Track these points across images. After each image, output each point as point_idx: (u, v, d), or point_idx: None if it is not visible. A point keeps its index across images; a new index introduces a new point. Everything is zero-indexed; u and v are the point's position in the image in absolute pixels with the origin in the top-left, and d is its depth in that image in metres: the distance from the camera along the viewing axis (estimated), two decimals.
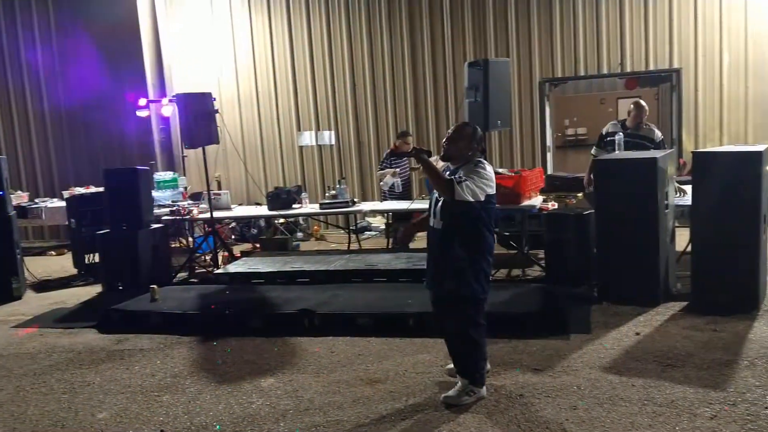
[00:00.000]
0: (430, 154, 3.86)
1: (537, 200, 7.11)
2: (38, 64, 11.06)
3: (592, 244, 5.94)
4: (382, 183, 8.14)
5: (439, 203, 3.84)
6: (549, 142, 10.16)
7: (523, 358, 4.49)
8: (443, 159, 4.00)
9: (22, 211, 8.86)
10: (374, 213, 9.47)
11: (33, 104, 11.15)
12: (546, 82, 9.91)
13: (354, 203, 8.03)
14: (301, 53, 10.61)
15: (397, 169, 8.03)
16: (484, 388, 3.92)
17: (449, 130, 3.95)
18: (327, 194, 8.61)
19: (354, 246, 8.70)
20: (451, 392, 3.89)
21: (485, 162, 3.85)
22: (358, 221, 9.92)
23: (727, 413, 3.51)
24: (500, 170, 7.69)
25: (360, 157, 10.70)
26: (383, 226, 9.96)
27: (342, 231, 10.02)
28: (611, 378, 4.08)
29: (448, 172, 3.88)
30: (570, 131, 20.61)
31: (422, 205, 7.71)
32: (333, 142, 10.70)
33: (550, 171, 9.52)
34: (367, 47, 10.38)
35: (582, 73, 9.91)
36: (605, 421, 3.53)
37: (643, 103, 6.90)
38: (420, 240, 8.41)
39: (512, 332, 4.91)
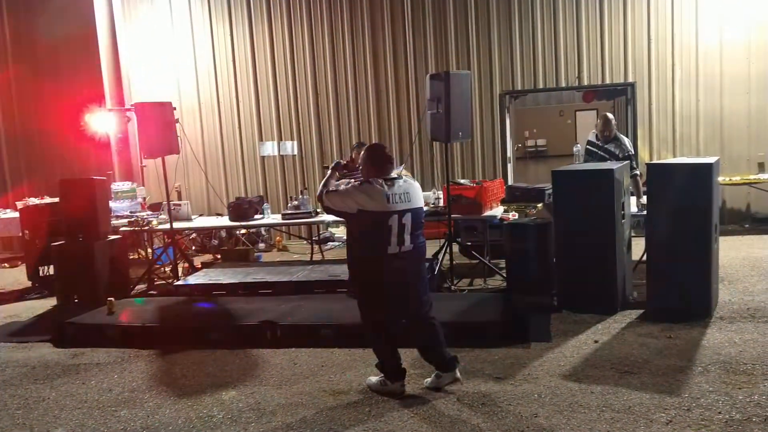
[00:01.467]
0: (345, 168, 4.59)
1: (498, 210, 7.21)
2: None
3: (551, 254, 6.05)
4: None
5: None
6: (509, 153, 10.33)
7: (485, 367, 4.54)
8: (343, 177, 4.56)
9: None
10: (337, 224, 9.46)
11: None
12: (506, 95, 10.09)
13: (317, 214, 8.01)
14: (263, 63, 10.58)
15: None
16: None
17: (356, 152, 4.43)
18: (289, 205, 8.57)
19: (317, 257, 8.67)
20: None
21: (378, 183, 4.09)
22: (321, 232, 9.89)
23: (682, 418, 3.61)
24: (462, 181, 7.79)
25: (322, 168, 10.68)
26: (345, 237, 9.95)
27: (305, 242, 9.98)
28: (571, 385, 4.15)
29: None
30: (530, 142, 21.01)
31: None
32: (295, 152, 10.68)
33: (510, 182, 9.68)
34: (330, 57, 10.41)
35: (541, 86, 10.12)
36: (565, 428, 3.59)
37: (610, 115, 7.04)
38: None
39: (474, 341, 4.96)
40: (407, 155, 10.09)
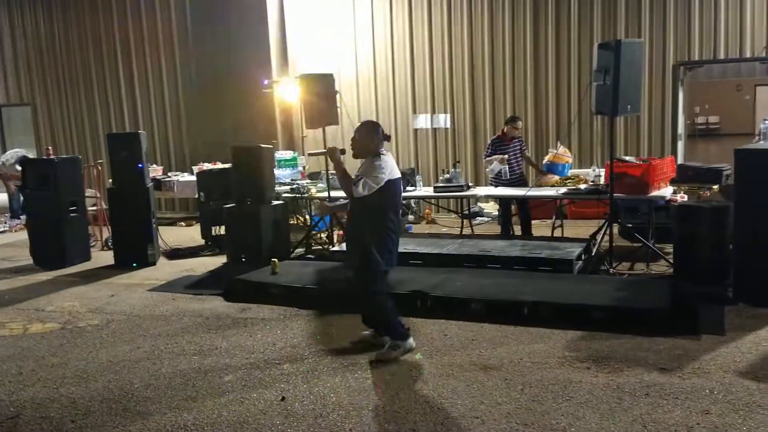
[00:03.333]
0: (344, 152, 4.55)
1: (666, 191, 6.70)
2: (174, 44, 11.75)
3: (728, 240, 5.52)
4: (488, 170, 7.96)
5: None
6: (680, 129, 9.54)
7: (648, 356, 4.27)
8: (354, 157, 4.55)
9: (157, 184, 9.53)
10: (488, 198, 9.33)
11: (168, 82, 11.87)
12: (680, 65, 9.29)
13: (468, 188, 7.95)
14: (420, 35, 10.58)
15: (505, 156, 7.80)
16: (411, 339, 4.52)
17: (355, 132, 4.48)
18: (441, 178, 8.57)
19: (466, 231, 8.62)
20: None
21: (384, 153, 4.39)
22: (470, 206, 9.81)
23: None
24: (627, 158, 7.33)
25: (475, 141, 10.55)
26: (496, 212, 9.79)
27: (454, 215, 9.96)
28: (747, 383, 3.79)
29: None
30: (701, 119, 19.20)
31: (539, 192, 7.52)
32: (448, 125, 10.64)
33: (680, 161, 8.95)
34: (488, 27, 10.17)
35: (722, 56, 9.19)
36: (741, 428, 3.28)
37: None
38: (537, 228, 8.23)
39: (636, 328, 4.68)
40: (565, 131, 9.66)
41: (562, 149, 8.07)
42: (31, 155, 11.21)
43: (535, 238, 7.68)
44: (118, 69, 12.11)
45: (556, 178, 7.76)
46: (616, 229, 6.86)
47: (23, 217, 10.42)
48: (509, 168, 7.77)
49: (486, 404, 3.73)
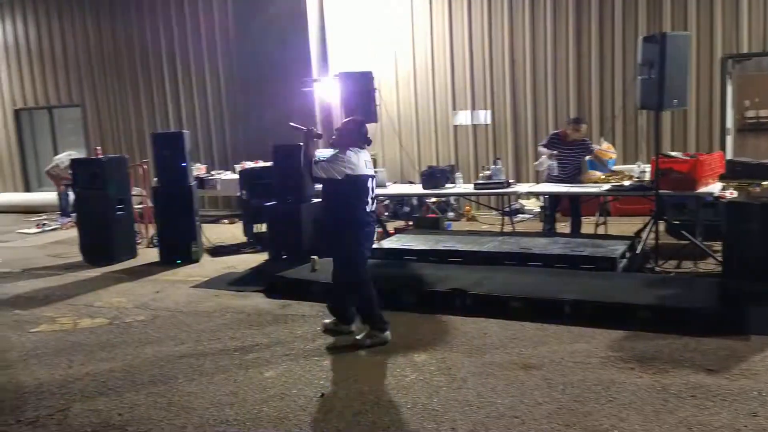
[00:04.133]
0: (319, 137, 4.87)
1: (714, 187, 6.51)
2: (216, 46, 11.94)
3: None
4: (537, 163, 7.83)
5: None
6: (729, 124, 9.25)
7: (695, 357, 4.16)
8: (330, 146, 4.91)
9: (200, 182, 9.71)
10: (529, 195, 9.22)
11: (212, 82, 12.09)
12: (728, 58, 9.00)
13: (509, 184, 7.87)
14: (459, 32, 10.52)
15: (554, 152, 7.65)
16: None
17: (340, 124, 4.88)
18: (481, 174, 8.50)
19: (507, 228, 8.53)
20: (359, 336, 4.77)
21: (357, 150, 4.66)
22: (511, 203, 9.71)
23: None
24: (673, 153, 7.15)
25: (516, 137, 10.44)
26: (537, 209, 9.67)
27: (494, 212, 9.87)
28: None
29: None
30: (751, 113, 18.54)
31: (582, 189, 7.39)
32: (489, 121, 10.55)
33: (729, 156, 8.68)
34: (529, 21, 10.04)
35: None
36: None
37: None
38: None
39: (682, 328, 4.56)
40: (609, 126, 9.48)
41: (605, 145, 7.91)
42: (81, 155, 11.56)
43: (578, 235, 7.55)
44: (162, 70, 12.39)
45: (600, 174, 7.61)
46: (662, 226, 6.69)
47: (73, 215, 10.78)
48: (561, 170, 7.56)
49: (526, 404, 3.69)
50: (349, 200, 4.67)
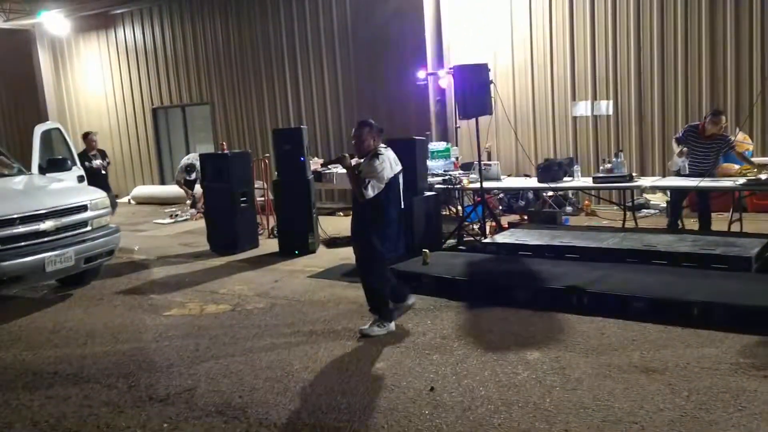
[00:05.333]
0: (352, 156, 4.90)
1: None
2: (335, 44, 12.24)
3: None
4: (670, 163, 7.39)
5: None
6: None
7: None
8: (358, 157, 4.91)
9: (317, 176, 9.99)
10: (654, 189, 8.70)
11: (329, 78, 12.41)
12: None
13: (632, 178, 7.48)
14: (581, 19, 10.10)
15: (685, 148, 7.13)
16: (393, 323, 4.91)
17: (353, 134, 4.84)
18: (601, 168, 8.14)
19: (629, 224, 8.12)
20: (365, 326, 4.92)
21: (383, 149, 4.79)
22: (634, 197, 9.21)
23: None
24: None
25: (641, 128, 9.89)
26: (663, 204, 9.12)
27: (615, 207, 9.42)
28: None
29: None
30: None
31: (713, 184, 6.89)
32: (610, 112, 10.07)
33: None
34: (657, 5, 9.44)
35: None
36: None
37: None
38: (713, 221, 7.53)
39: None
40: (745, 115, 8.74)
41: (741, 135, 7.30)
42: (210, 150, 12.32)
43: (709, 233, 7.05)
44: (284, 69, 12.88)
45: (736, 167, 7.04)
46: None
47: (192, 210, 11.60)
48: (694, 168, 7.08)
49: (646, 409, 3.50)
50: (382, 203, 4.79)
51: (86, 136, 10.17)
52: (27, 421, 3.87)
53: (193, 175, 11.72)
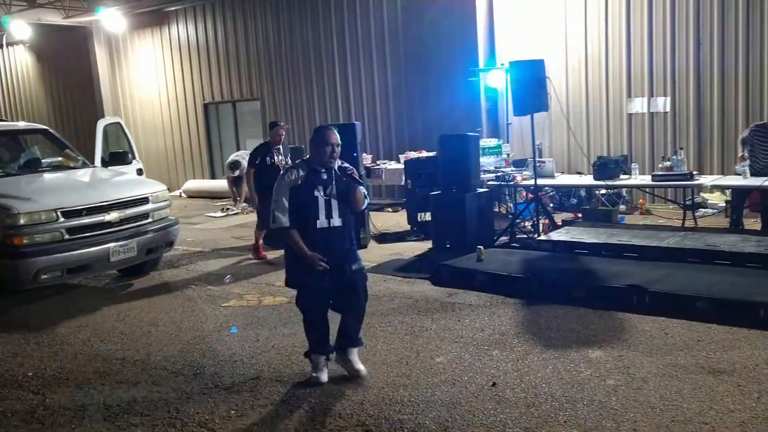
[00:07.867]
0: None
1: None
2: (385, 41, 12.26)
3: None
4: (737, 166, 7.21)
5: (336, 205, 4.24)
6: None
7: None
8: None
9: (367, 172, 10.06)
10: (714, 188, 8.48)
11: (378, 75, 12.43)
12: None
13: (693, 176, 7.30)
14: (638, 14, 9.86)
15: (744, 152, 6.93)
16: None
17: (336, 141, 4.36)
18: (660, 165, 7.97)
19: (689, 223, 7.93)
20: None
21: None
22: (693, 196, 8.99)
23: None
24: None
25: (699, 126, 9.63)
26: (722, 204, 8.87)
27: (671, 206, 9.21)
28: None
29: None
30: None
31: None
32: (668, 109, 9.83)
33: None
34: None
35: None
36: None
37: None
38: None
39: None
40: None
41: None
42: (240, 157, 12.33)
43: None
44: (334, 65, 12.96)
45: None
46: None
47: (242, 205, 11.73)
48: (760, 168, 6.88)
49: (716, 410, 3.43)
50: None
51: (273, 126, 8.07)
52: (99, 404, 4.01)
53: (236, 172, 11.72)
